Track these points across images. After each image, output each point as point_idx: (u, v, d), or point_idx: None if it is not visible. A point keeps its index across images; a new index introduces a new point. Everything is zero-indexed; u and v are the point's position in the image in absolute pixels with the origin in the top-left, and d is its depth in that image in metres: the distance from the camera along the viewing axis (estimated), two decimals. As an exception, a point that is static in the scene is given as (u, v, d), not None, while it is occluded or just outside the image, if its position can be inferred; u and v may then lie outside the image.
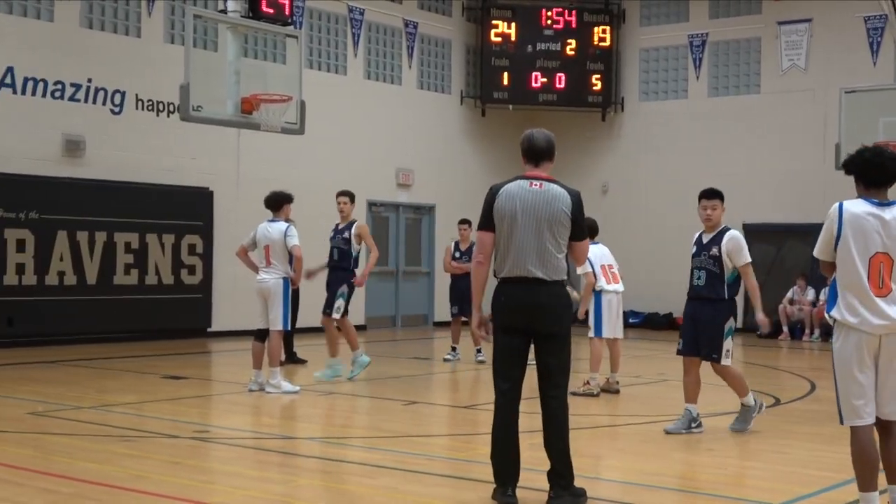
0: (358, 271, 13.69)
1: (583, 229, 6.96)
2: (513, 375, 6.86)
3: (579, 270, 12.38)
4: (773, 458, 8.85)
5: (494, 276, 7.00)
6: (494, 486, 6.89)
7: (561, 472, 6.81)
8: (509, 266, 6.83)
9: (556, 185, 6.88)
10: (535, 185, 6.86)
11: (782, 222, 23.18)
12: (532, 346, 6.92)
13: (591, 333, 12.70)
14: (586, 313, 12.70)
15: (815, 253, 6.35)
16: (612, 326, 12.77)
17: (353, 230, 13.53)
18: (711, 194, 9.97)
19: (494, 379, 6.92)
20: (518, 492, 6.82)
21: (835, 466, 8.47)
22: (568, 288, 7.09)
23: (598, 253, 12.69)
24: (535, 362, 6.92)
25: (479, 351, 15.98)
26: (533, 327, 6.81)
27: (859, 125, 18.52)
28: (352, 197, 13.85)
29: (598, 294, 12.66)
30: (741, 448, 9.52)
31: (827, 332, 21.57)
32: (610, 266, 12.86)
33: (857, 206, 6.23)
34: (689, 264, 10.03)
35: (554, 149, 7.06)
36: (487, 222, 6.91)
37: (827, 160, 21.16)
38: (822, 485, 7.76)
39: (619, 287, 12.88)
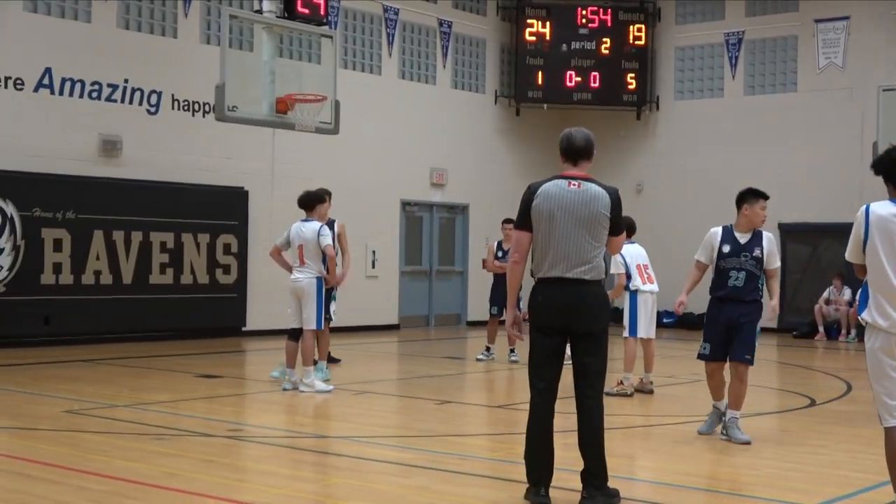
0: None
1: (620, 226, 6.94)
2: (549, 375, 6.85)
3: (613, 269, 12.36)
4: (809, 459, 8.79)
5: (532, 275, 6.98)
6: (527, 485, 6.88)
7: (595, 472, 6.78)
8: (547, 266, 6.81)
9: (594, 185, 6.85)
10: (574, 184, 6.82)
11: (819, 221, 23.01)
12: (568, 346, 6.91)
13: (626, 333, 12.67)
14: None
15: (847, 256, 6.36)
16: (647, 326, 12.73)
17: (335, 229, 13.39)
18: (766, 195, 9.92)
19: (530, 378, 6.90)
20: (551, 492, 6.81)
21: (872, 468, 8.40)
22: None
23: (633, 252, 12.65)
24: (570, 362, 6.90)
25: (512, 351, 15.96)
26: (570, 327, 6.79)
27: (898, 123, 18.36)
28: (330, 195, 13.62)
29: (633, 294, 12.62)
30: (775, 449, 9.45)
31: (863, 333, 21.34)
32: (645, 266, 12.81)
33: (883, 209, 6.23)
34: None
35: (593, 148, 7.03)
36: (524, 222, 6.90)
37: (864, 159, 20.95)
38: (859, 486, 7.69)
39: (655, 287, 12.83)
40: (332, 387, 12.54)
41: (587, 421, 6.83)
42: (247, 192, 19.83)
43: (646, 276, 12.74)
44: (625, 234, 7.15)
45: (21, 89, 17.16)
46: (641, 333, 12.68)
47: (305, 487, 7.53)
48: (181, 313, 18.75)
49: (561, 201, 6.78)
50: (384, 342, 20.09)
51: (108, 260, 17.88)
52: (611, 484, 6.84)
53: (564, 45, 24.86)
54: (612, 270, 12.46)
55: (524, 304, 7.34)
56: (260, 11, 14.80)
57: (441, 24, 23.78)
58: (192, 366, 15.04)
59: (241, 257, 19.68)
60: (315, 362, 12.75)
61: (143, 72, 18.58)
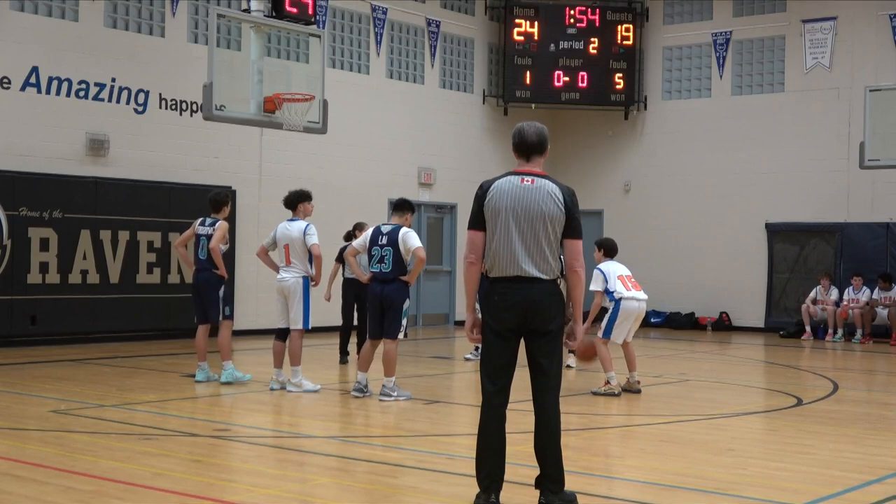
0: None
1: (577, 227, 6.65)
2: (502, 378, 6.65)
3: (592, 287, 12.46)
4: (796, 459, 8.81)
5: (486, 275, 6.74)
6: (478, 490, 6.65)
7: (553, 477, 6.63)
8: (502, 265, 6.61)
9: (548, 181, 6.62)
10: (527, 180, 6.60)
11: (806, 221, 23.08)
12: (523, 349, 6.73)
13: (599, 333, 12.71)
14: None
15: None
16: (623, 333, 12.76)
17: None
18: None
19: (482, 381, 6.69)
20: (503, 497, 6.66)
21: (859, 467, 8.43)
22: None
23: (612, 269, 12.81)
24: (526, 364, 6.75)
25: (477, 349, 15.90)
26: (526, 326, 6.60)
27: (884, 124, 18.41)
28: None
29: (617, 301, 12.68)
30: (762, 448, 9.48)
31: (850, 332, 21.43)
32: (629, 276, 12.88)
33: None
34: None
35: (546, 142, 6.77)
36: (478, 221, 6.68)
37: (851, 159, 21.06)
38: (846, 485, 7.70)
39: (641, 294, 12.85)
40: (319, 386, 12.56)
41: (546, 424, 6.63)
42: (234, 192, 19.77)
43: (630, 284, 12.80)
44: (581, 240, 6.69)
45: (8, 88, 17.11)
46: (616, 339, 12.73)
47: (293, 487, 7.52)
48: (168, 313, 18.72)
49: (514, 199, 6.56)
50: (372, 342, 20.03)
51: (95, 259, 17.84)
52: (597, 484, 6.80)
53: (552, 44, 24.89)
54: (592, 287, 12.55)
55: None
56: (248, 10, 14.77)
57: (429, 24, 23.78)
58: (179, 365, 15.03)
59: (229, 257, 19.61)
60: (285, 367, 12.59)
61: (131, 71, 18.55)
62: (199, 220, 13.33)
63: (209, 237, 13.02)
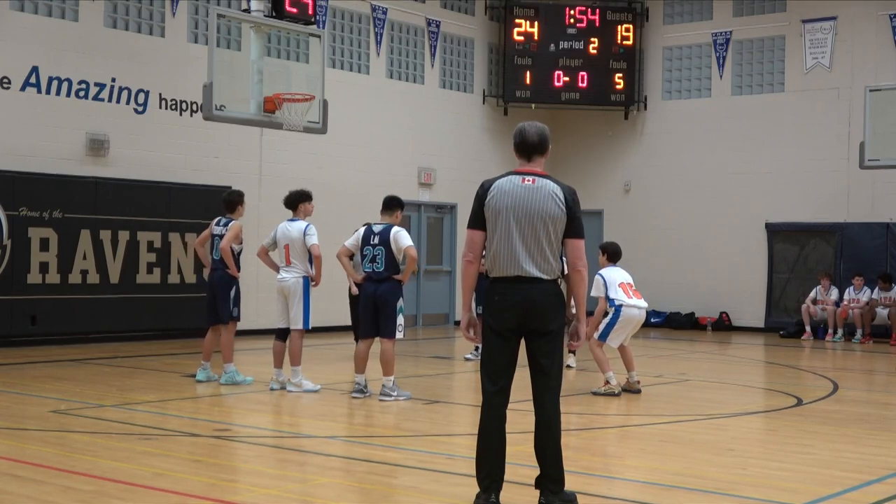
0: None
1: (579, 226, 6.63)
2: (502, 378, 6.63)
3: (593, 293, 12.46)
4: (796, 459, 8.81)
5: (486, 275, 6.73)
6: (478, 490, 6.65)
7: (553, 477, 6.62)
8: (503, 265, 6.59)
9: (549, 181, 6.61)
10: (528, 180, 6.59)
11: (806, 221, 23.07)
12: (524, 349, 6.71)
13: (596, 335, 12.69)
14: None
15: None
16: (619, 338, 12.76)
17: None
18: None
19: (482, 381, 6.67)
20: (503, 497, 6.65)
21: (859, 467, 8.43)
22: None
23: (613, 276, 12.79)
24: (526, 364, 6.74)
25: (477, 349, 15.90)
26: (526, 326, 6.58)
27: (884, 124, 18.41)
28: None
29: (618, 307, 12.67)
30: (762, 448, 9.47)
31: (850, 332, 21.44)
32: (630, 284, 12.88)
33: None
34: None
35: (547, 142, 6.75)
36: (478, 220, 6.67)
37: (851, 159, 21.06)
38: (846, 485, 7.71)
39: (643, 303, 12.84)
40: (319, 386, 12.57)
41: (547, 424, 6.61)
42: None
43: (631, 292, 12.80)
44: (583, 240, 6.68)
45: (8, 88, 17.11)
46: (611, 343, 12.73)
47: (293, 487, 7.51)
48: (168, 313, 18.72)
49: (515, 198, 6.54)
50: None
51: (95, 259, 17.84)
52: (596, 484, 6.79)
53: (552, 44, 24.89)
54: (592, 293, 12.55)
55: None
56: (248, 10, 14.78)
57: (429, 24, 23.78)
58: (180, 365, 15.03)
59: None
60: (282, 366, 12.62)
61: (131, 71, 18.55)
62: (216, 219, 13.37)
63: (222, 237, 13.06)
